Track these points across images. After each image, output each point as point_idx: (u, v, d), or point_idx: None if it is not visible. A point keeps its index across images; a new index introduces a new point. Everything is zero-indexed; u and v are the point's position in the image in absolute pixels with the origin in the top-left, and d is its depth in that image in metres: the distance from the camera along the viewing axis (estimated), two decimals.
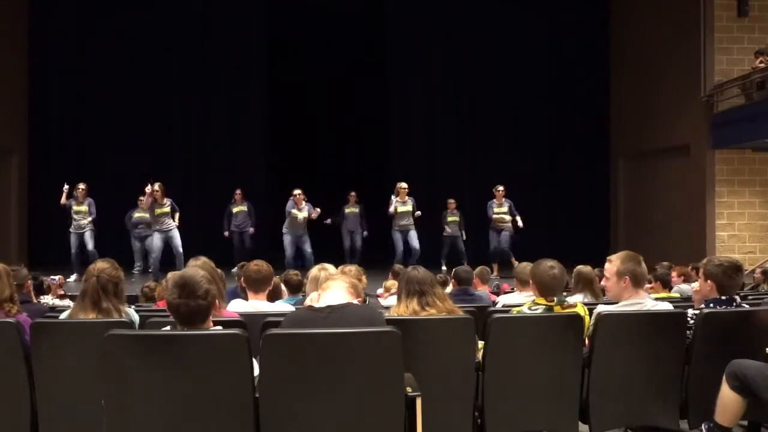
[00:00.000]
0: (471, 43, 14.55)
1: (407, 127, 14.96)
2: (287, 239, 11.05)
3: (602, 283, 4.10)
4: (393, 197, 11.39)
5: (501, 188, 11.76)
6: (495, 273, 11.25)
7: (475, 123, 14.81)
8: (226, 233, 12.00)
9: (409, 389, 2.87)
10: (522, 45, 14.56)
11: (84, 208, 10.79)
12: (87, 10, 13.89)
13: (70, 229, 10.78)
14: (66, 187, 10.58)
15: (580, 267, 5.35)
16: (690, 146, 12.35)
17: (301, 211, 10.94)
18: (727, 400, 3.47)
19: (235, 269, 7.88)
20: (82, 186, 10.78)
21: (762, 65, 10.88)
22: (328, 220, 11.90)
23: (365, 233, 12.15)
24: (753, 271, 9.58)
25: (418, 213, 11.43)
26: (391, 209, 11.29)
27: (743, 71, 11.40)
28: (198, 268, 3.38)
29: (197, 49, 14.27)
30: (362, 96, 14.96)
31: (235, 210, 12.06)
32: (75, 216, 10.74)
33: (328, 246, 11.49)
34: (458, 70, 14.69)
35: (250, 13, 14.52)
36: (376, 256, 12.08)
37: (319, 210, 10.93)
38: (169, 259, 10.17)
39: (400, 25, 14.84)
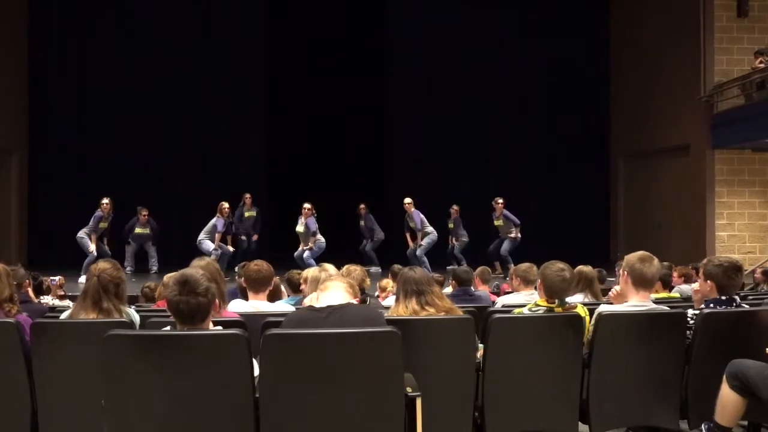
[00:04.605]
0: (471, 43, 14.55)
1: (406, 127, 14.93)
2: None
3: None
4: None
5: (501, 201, 11.84)
6: (498, 271, 11.29)
7: (474, 123, 14.81)
8: (243, 237, 11.97)
9: (409, 389, 2.87)
10: (522, 45, 14.56)
11: (107, 225, 10.92)
12: (87, 10, 13.88)
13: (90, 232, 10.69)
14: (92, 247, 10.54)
15: (581, 267, 5.33)
16: (690, 146, 12.36)
17: (302, 225, 10.87)
18: (727, 400, 3.47)
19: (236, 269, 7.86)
20: (105, 201, 10.75)
21: (762, 65, 10.89)
22: None
23: (377, 238, 12.24)
24: (753, 271, 9.59)
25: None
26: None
27: (743, 71, 11.41)
28: (200, 267, 3.39)
29: (197, 49, 14.26)
30: (363, 95, 14.95)
31: (246, 214, 12.07)
32: (101, 225, 10.81)
33: (343, 246, 11.47)
34: (458, 70, 14.68)
35: (250, 13, 14.51)
36: (379, 257, 12.16)
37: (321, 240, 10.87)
38: (173, 260, 10.14)
39: (400, 26, 14.83)
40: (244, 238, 11.96)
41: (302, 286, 5.04)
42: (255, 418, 2.78)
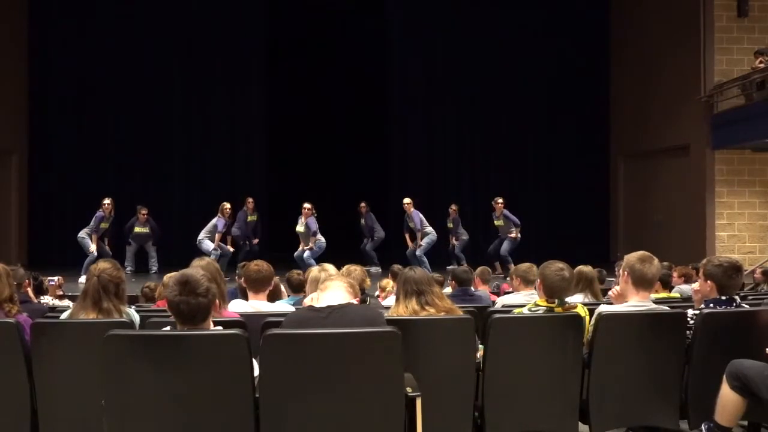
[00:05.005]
0: (471, 43, 14.54)
1: (406, 127, 14.92)
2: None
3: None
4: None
5: (500, 201, 11.87)
6: (498, 271, 11.29)
7: (475, 123, 14.81)
8: (247, 242, 11.95)
9: (409, 389, 2.87)
10: (522, 45, 14.56)
11: (108, 226, 10.95)
12: (87, 10, 13.89)
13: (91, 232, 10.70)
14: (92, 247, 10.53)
15: (580, 267, 5.34)
16: (690, 146, 12.36)
17: (302, 225, 10.84)
18: (727, 400, 3.46)
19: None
20: (107, 201, 10.76)
21: (762, 65, 10.88)
22: None
23: (377, 237, 12.25)
24: (753, 271, 9.58)
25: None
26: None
27: (743, 71, 11.40)
28: (200, 267, 3.38)
29: (197, 49, 14.26)
30: (363, 95, 14.97)
31: (249, 219, 12.09)
32: (102, 226, 10.82)
33: (343, 246, 11.47)
34: (458, 70, 14.67)
35: (250, 13, 14.50)
36: (379, 257, 12.15)
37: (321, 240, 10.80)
38: (173, 260, 10.14)
39: (401, 26, 14.83)
40: (246, 242, 11.96)
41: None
42: (255, 418, 2.78)
